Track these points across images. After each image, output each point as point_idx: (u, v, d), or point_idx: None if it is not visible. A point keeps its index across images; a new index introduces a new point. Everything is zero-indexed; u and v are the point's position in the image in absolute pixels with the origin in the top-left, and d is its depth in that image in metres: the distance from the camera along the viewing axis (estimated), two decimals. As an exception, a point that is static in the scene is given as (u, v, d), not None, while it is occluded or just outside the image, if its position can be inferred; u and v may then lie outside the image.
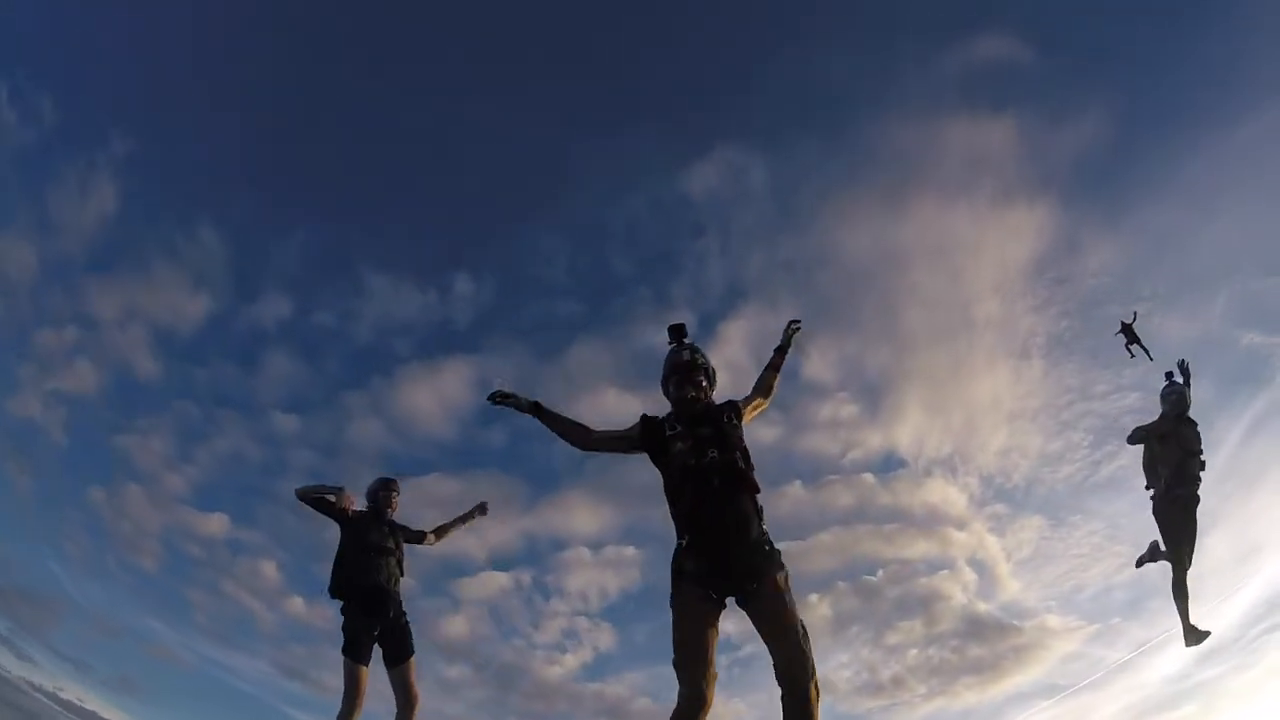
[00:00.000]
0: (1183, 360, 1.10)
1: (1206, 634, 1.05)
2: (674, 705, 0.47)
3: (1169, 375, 1.10)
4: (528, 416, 0.56)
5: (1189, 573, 1.05)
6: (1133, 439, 1.08)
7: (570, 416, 0.56)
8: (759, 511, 0.51)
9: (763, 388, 0.61)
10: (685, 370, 0.56)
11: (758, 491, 0.52)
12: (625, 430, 0.56)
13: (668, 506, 0.53)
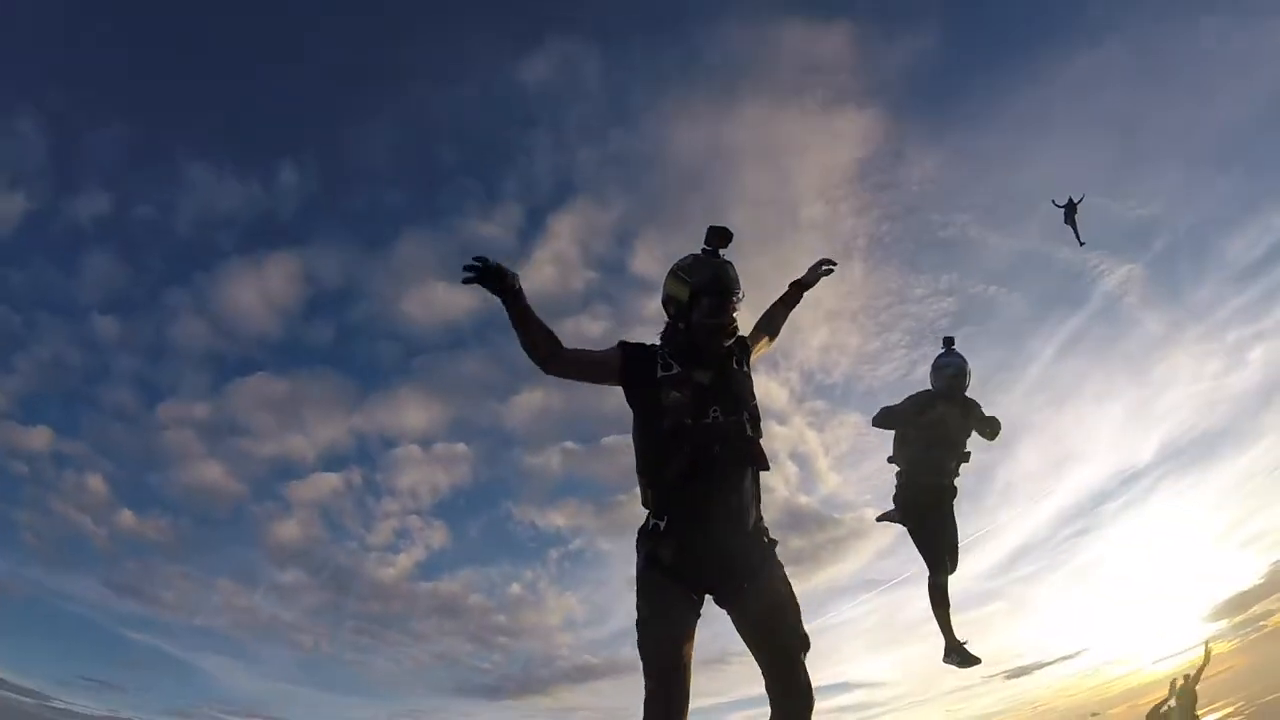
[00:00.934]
0: (949, 337, 0.86)
1: (976, 660, 0.82)
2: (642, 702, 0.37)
3: (947, 342, 0.85)
4: (497, 302, 0.39)
5: (950, 579, 0.83)
6: (878, 420, 0.82)
7: (541, 324, 0.40)
8: (759, 494, 0.40)
9: (771, 326, 0.48)
10: (730, 292, 0.41)
11: (765, 469, 0.40)
12: (601, 354, 0.41)
13: (638, 461, 0.40)
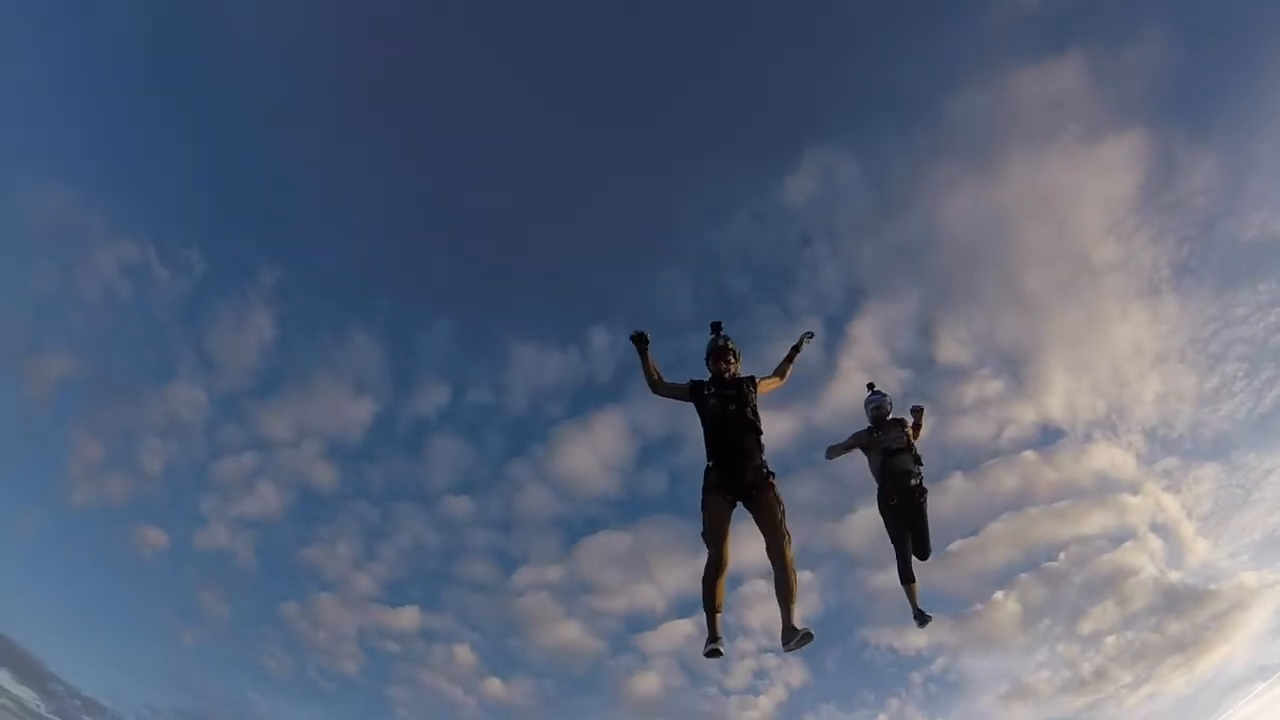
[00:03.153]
0: (870, 383, 1.27)
1: (928, 617, 1.20)
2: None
3: (870, 387, 1.28)
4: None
5: (915, 567, 1.20)
6: (830, 455, 1.24)
7: (656, 362, 0.91)
8: (761, 446, 0.87)
9: (778, 372, 0.97)
10: (721, 353, 0.92)
11: (760, 433, 0.87)
12: (681, 385, 0.91)
13: (704, 443, 0.88)
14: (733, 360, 0.92)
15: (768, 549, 0.82)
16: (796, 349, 0.98)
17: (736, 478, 0.85)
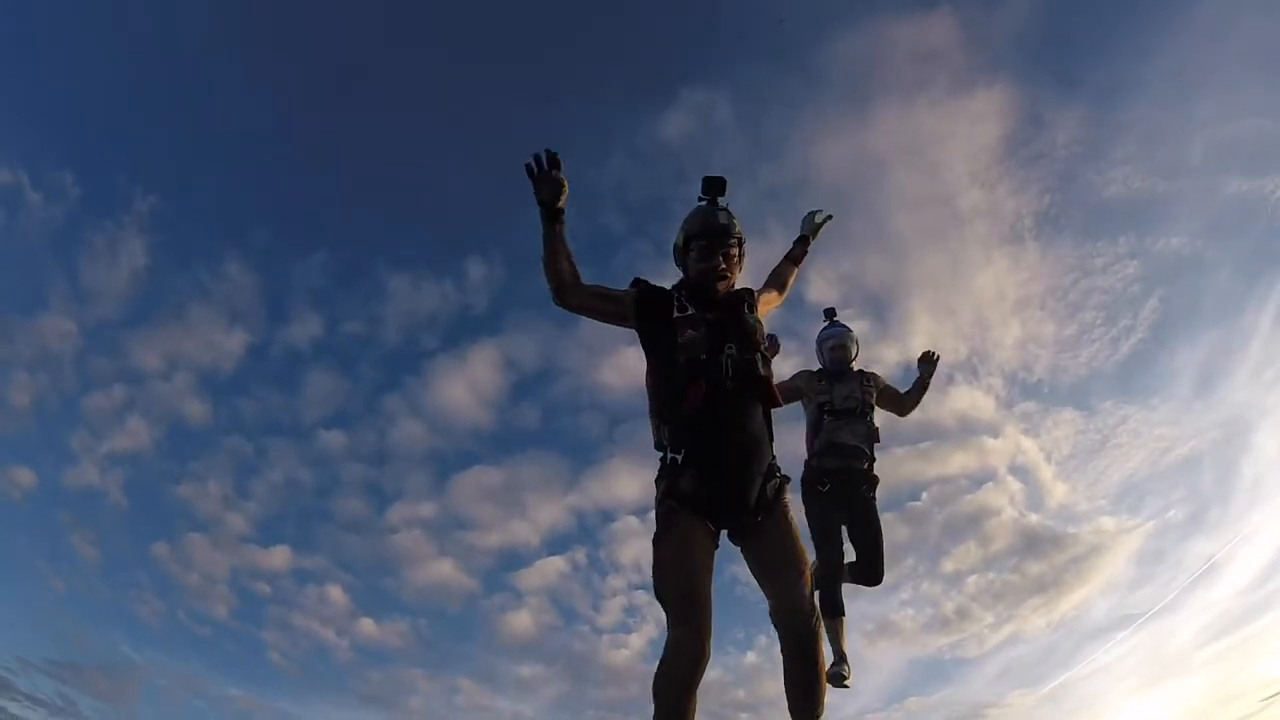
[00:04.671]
0: (829, 309, 0.83)
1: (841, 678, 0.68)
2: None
3: (829, 314, 0.83)
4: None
5: (846, 592, 0.73)
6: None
7: (570, 253, 0.42)
8: (771, 433, 0.42)
9: (779, 281, 0.50)
10: (721, 235, 0.44)
11: (777, 404, 0.42)
12: (617, 292, 0.43)
13: (652, 403, 0.42)
14: (736, 259, 0.45)
15: (779, 616, 0.39)
16: (805, 241, 0.52)
17: (733, 489, 0.40)
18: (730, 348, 0.41)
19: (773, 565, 0.40)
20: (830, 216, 0.54)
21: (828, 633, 0.70)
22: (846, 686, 0.69)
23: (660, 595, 0.38)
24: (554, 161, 0.41)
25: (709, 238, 0.43)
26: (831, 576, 0.72)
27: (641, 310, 0.43)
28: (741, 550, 0.41)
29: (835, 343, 0.80)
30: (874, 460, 0.77)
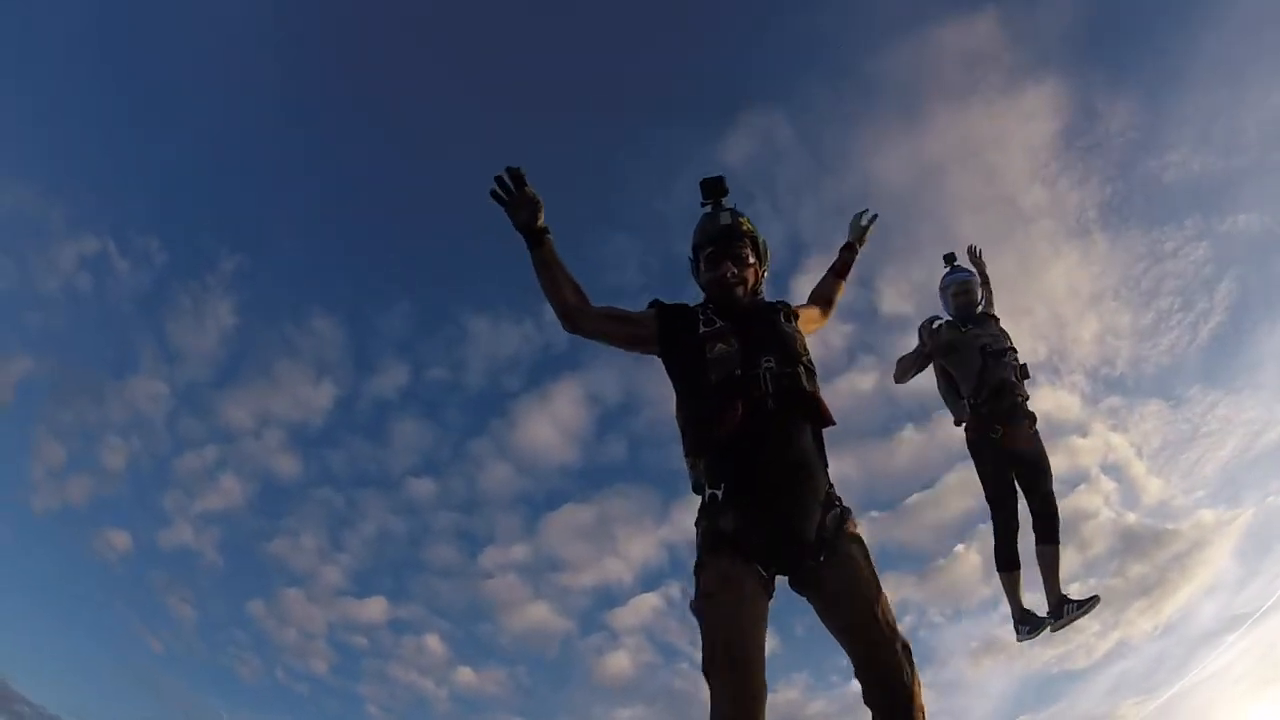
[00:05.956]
0: (973, 247, 0.82)
1: (1044, 622, 0.72)
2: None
3: (948, 260, 0.80)
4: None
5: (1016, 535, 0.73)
6: (900, 375, 0.77)
7: (569, 273, 0.38)
8: (825, 454, 0.36)
9: (823, 297, 0.45)
10: (725, 238, 0.39)
11: (830, 424, 0.36)
12: (634, 314, 0.39)
13: (685, 436, 0.37)
14: (752, 260, 0.40)
15: (867, 688, 0.32)
16: (853, 248, 0.48)
17: (784, 523, 0.33)
18: (768, 360, 0.35)
19: (849, 622, 0.32)
20: (875, 216, 0.49)
21: (1006, 587, 0.73)
22: (1041, 626, 0.71)
23: (704, 643, 0.31)
24: (518, 179, 0.37)
25: (714, 243, 0.39)
26: (1008, 529, 0.72)
27: (664, 330, 0.38)
28: (809, 600, 0.34)
29: (959, 287, 0.78)
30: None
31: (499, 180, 0.37)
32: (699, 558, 0.34)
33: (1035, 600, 0.74)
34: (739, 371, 0.35)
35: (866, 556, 0.34)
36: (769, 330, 0.37)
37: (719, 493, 0.34)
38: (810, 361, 0.37)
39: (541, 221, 0.37)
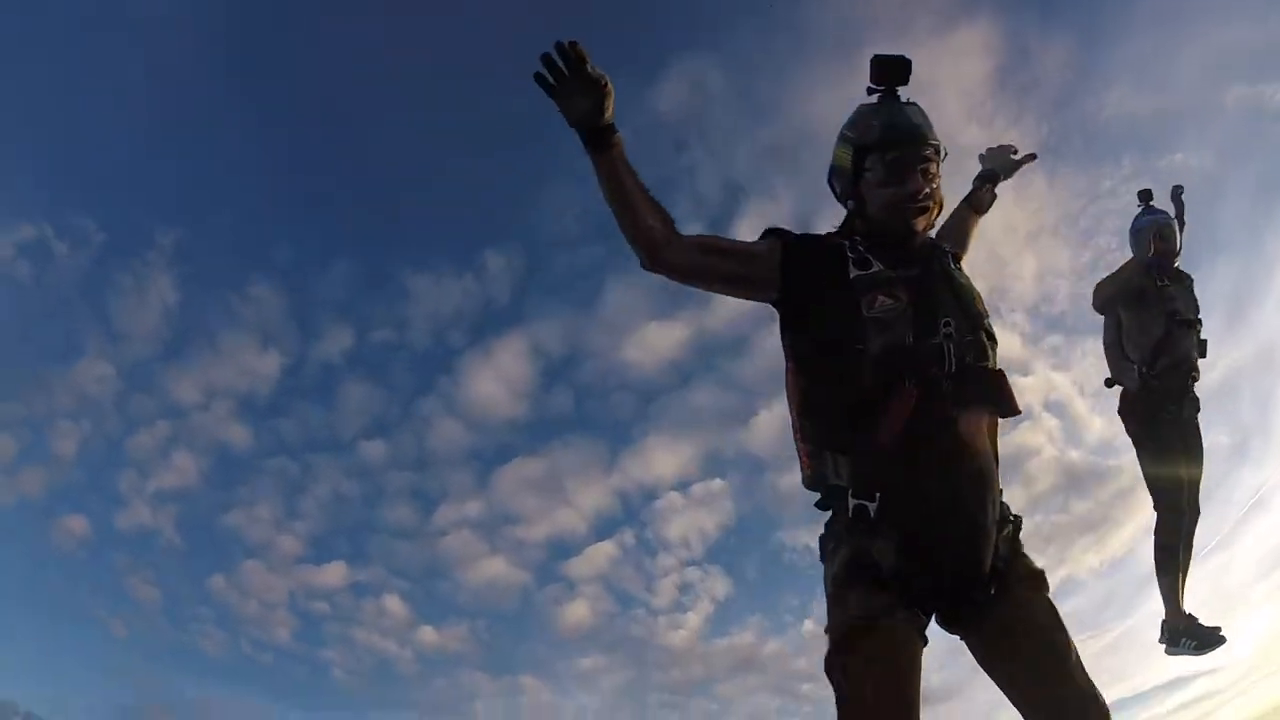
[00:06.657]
0: (1178, 186, 0.66)
1: (1217, 635, 0.61)
2: None
3: (1144, 197, 0.67)
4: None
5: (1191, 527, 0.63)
6: (1100, 302, 0.66)
7: (647, 190, 0.27)
8: (998, 456, 0.27)
9: (959, 236, 0.34)
10: (915, 141, 0.27)
11: (1016, 412, 0.26)
12: (745, 245, 0.28)
13: (810, 420, 0.27)
14: (935, 179, 0.27)
15: None
16: (995, 180, 0.37)
17: (961, 556, 0.24)
18: (948, 323, 0.25)
19: (1038, 669, 0.24)
20: (1033, 156, 0.38)
21: (1165, 589, 0.62)
22: (1209, 641, 0.61)
23: (849, 698, 0.23)
24: (580, 55, 0.24)
25: (900, 146, 0.27)
26: (1181, 529, 0.62)
27: (790, 270, 0.27)
28: (965, 642, 0.26)
29: (1162, 231, 0.64)
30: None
31: (546, 60, 0.24)
32: (835, 591, 0.25)
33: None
34: (911, 339, 0.25)
35: (1046, 586, 0.26)
36: (945, 282, 0.27)
37: (871, 507, 0.24)
38: (992, 327, 0.27)
39: (610, 115, 0.25)
